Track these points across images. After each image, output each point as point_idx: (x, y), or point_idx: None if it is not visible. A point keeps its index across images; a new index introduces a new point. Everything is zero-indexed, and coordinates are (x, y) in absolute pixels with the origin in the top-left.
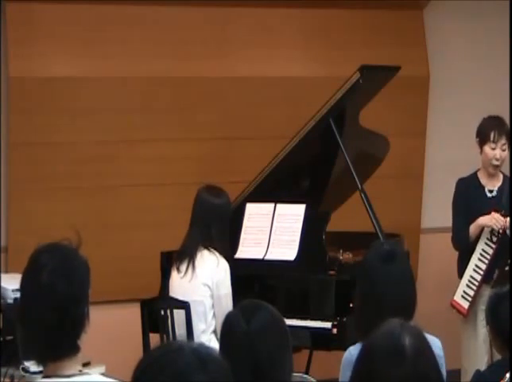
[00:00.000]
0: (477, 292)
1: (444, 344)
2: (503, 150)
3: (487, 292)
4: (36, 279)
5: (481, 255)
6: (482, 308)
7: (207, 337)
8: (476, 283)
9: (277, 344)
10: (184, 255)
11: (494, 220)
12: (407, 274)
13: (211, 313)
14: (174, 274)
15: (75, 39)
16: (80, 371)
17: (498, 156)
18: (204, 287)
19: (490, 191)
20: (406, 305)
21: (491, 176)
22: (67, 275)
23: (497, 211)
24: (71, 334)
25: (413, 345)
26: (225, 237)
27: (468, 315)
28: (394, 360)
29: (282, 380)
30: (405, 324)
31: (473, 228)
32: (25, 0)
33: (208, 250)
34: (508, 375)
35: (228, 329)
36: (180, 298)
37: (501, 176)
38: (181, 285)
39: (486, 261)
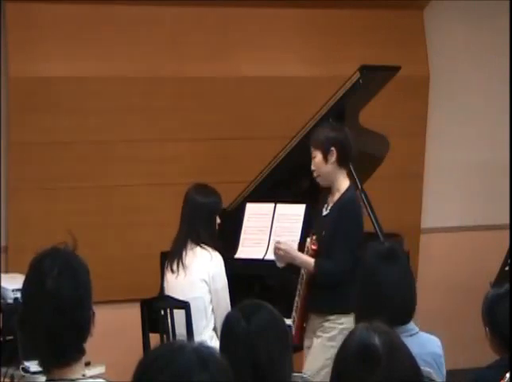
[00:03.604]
0: (301, 319)
1: (443, 344)
2: (313, 158)
3: (315, 321)
4: (41, 286)
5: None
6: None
7: (210, 333)
8: (297, 305)
9: (277, 344)
10: (173, 254)
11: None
12: (407, 273)
13: (210, 308)
14: (168, 275)
15: (75, 39)
16: (84, 375)
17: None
18: (201, 283)
19: (326, 208)
20: (406, 305)
21: (331, 191)
22: (71, 279)
23: (314, 234)
24: (77, 338)
25: (384, 345)
26: (213, 238)
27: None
28: (368, 366)
29: (282, 380)
30: (371, 326)
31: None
32: (25, 0)
33: (200, 246)
34: (508, 375)
35: (228, 329)
36: (180, 297)
37: (341, 191)
38: (178, 283)
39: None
